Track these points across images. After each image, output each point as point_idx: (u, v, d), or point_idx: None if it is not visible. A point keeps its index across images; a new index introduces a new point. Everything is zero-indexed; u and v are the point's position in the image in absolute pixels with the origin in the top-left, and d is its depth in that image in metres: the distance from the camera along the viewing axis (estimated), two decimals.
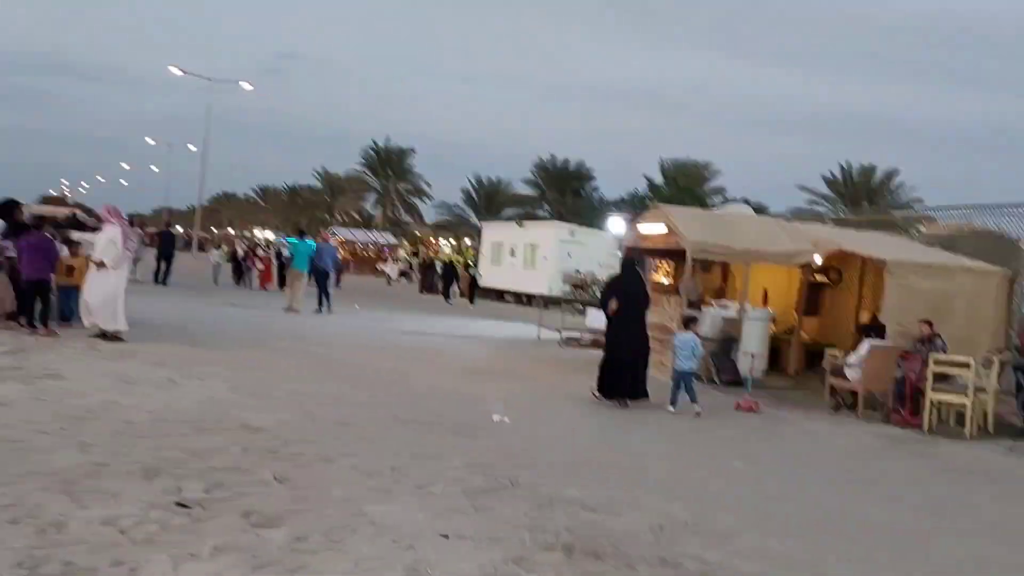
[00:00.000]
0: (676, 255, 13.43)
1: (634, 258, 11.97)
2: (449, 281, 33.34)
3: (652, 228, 12.64)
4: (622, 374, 9.13)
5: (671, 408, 9.06)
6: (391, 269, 45.50)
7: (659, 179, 41.30)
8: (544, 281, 31.42)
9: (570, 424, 8.04)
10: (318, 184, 69.96)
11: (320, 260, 18.15)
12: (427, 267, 37.68)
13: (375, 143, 62.47)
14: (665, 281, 15.33)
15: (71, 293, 10.79)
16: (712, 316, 11.65)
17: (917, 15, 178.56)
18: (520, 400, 8.98)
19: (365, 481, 5.16)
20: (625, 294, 9.46)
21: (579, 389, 10.09)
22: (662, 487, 5.69)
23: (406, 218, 66.08)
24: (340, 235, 54.00)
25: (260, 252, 26.50)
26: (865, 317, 13.39)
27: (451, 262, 36.74)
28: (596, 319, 17.64)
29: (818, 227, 14.17)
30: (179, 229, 59.82)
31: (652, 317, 12.05)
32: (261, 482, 4.93)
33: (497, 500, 4.98)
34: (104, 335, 9.94)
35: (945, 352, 9.86)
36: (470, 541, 4.21)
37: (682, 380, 9.16)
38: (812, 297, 13.83)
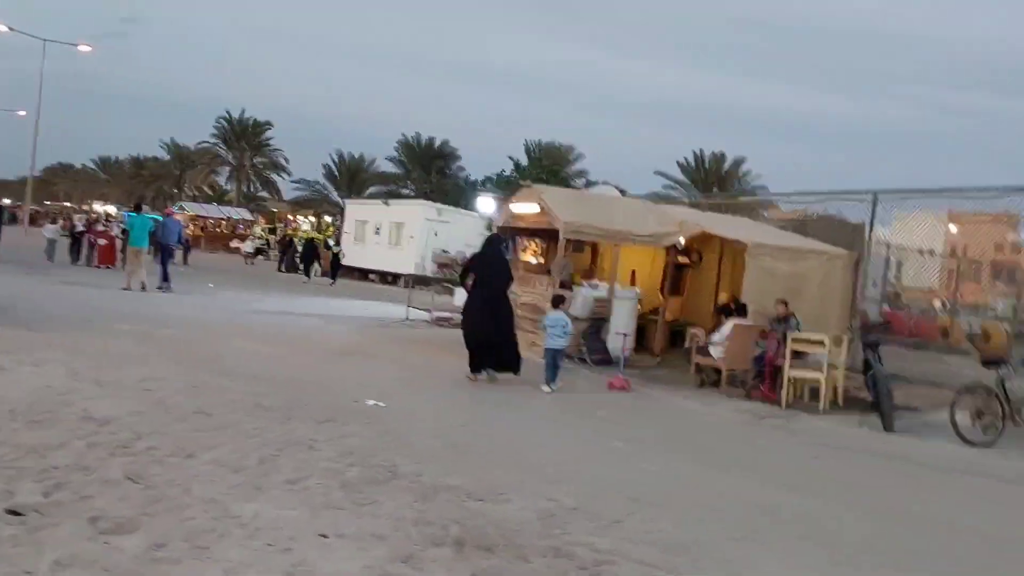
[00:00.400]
0: (548, 235, 13.45)
1: (497, 236, 11.89)
2: (309, 259, 32.30)
3: (525, 208, 12.57)
4: (485, 347, 9.22)
5: (546, 388, 9.08)
6: (247, 246, 43.46)
7: (525, 161, 41.57)
8: (410, 260, 30.95)
9: (446, 407, 7.82)
10: (166, 156, 65.71)
11: (163, 236, 17.17)
12: (287, 245, 36.22)
13: (228, 114, 59.34)
14: (534, 261, 15.36)
15: None
16: (583, 296, 11.73)
17: (761, 8, 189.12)
18: (393, 383, 8.67)
19: (230, 477, 4.72)
20: (485, 270, 9.54)
21: (451, 370, 9.89)
22: (545, 471, 5.57)
23: (263, 194, 63.38)
24: (189, 210, 51.06)
25: (100, 227, 24.35)
26: (724, 297, 13.96)
27: (311, 240, 35.53)
28: (464, 298, 17.50)
29: (682, 210, 14.60)
30: (7, 202, 54.65)
31: (524, 297, 12.03)
32: (110, 482, 4.40)
33: (377, 492, 4.69)
34: None
35: (799, 330, 10.38)
36: (352, 540, 3.91)
37: (554, 357, 9.23)
38: (674, 278, 14.24)
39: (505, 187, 34.15)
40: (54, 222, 24.42)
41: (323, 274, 31.84)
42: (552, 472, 5.55)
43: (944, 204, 11.72)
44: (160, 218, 19.07)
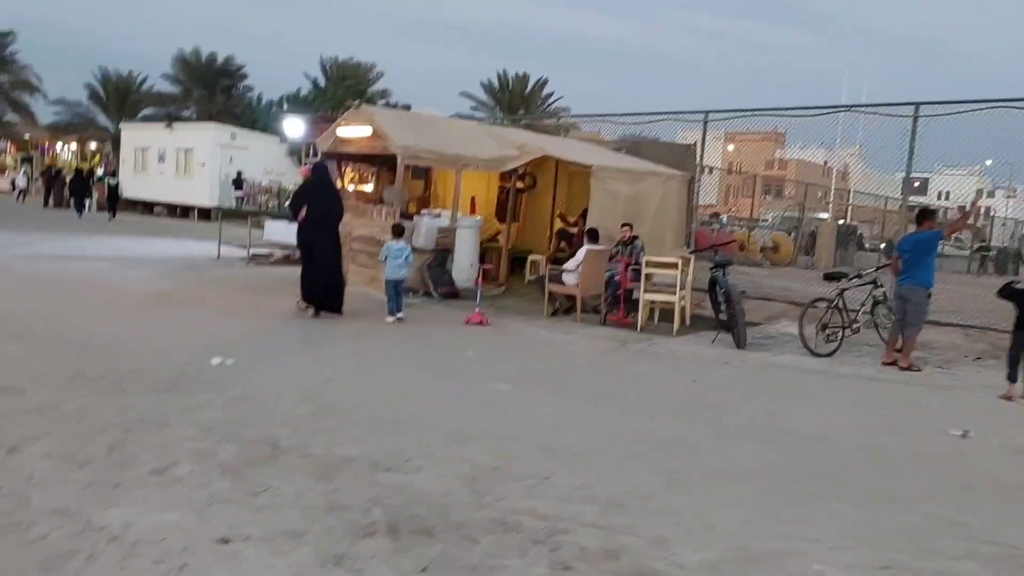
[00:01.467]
0: (379, 161, 12.56)
1: (323, 163, 10.93)
2: (81, 193, 28.72)
3: (354, 131, 11.56)
4: (317, 281, 9.05)
5: (389, 318, 9.00)
6: (20, 180, 37.98)
7: (322, 80, 39.09)
8: (204, 191, 28.38)
9: (300, 360, 7.00)
10: None
11: None
12: (53, 177, 31.91)
13: None
14: (369, 189, 14.33)
15: None
16: (426, 226, 11.08)
17: None
18: (229, 336, 7.67)
19: (76, 475, 3.79)
20: (315, 200, 9.13)
21: (289, 315, 9.02)
22: (441, 427, 5.05)
23: (11, 117, 55.28)
24: None
25: None
26: (559, 223, 13.87)
27: (81, 171, 31.58)
28: (277, 232, 16.20)
29: (521, 132, 14.18)
30: None
31: (360, 230, 11.20)
32: None
33: (266, 475, 3.97)
34: None
35: (644, 253, 10.46)
36: (262, 542, 3.22)
37: (396, 287, 9.12)
38: (509, 203, 13.93)
39: (306, 107, 31.95)
40: None
41: (100, 209, 28.53)
42: (450, 428, 5.04)
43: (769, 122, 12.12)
44: None
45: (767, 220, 33.87)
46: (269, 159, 29.07)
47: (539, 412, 5.65)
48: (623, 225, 10.61)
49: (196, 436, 4.49)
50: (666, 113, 12.70)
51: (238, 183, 28.13)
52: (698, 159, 12.11)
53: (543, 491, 4.01)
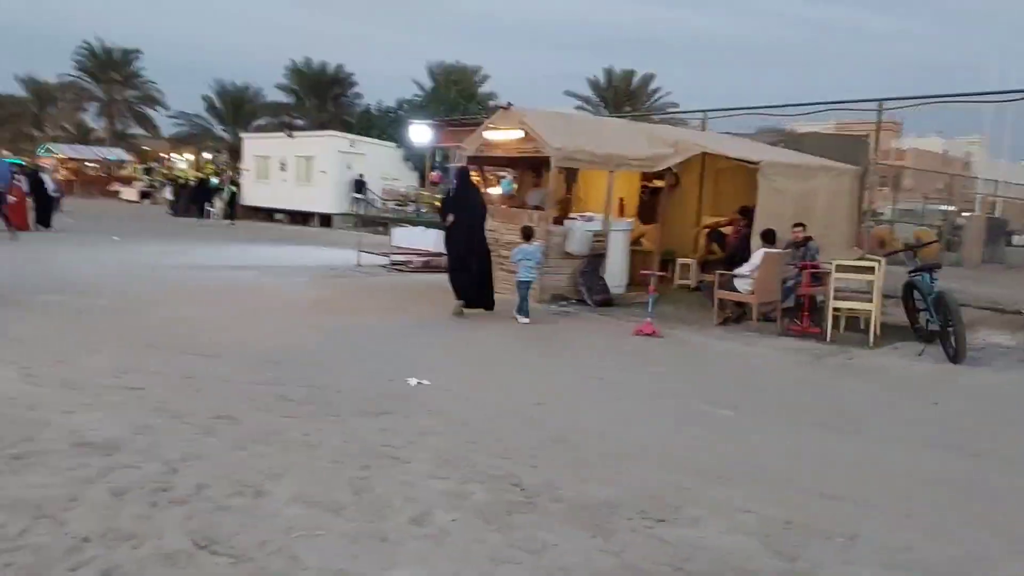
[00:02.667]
0: (523, 164, 12.19)
1: (466, 168, 10.68)
2: (203, 200, 29.90)
3: (503, 134, 11.19)
4: (468, 282, 9.29)
5: (523, 319, 9.12)
6: (136, 189, 40.00)
7: (428, 84, 39.30)
8: (324, 198, 28.83)
9: (492, 376, 6.62)
10: (23, 93, 59.04)
11: None
12: (181, 186, 33.13)
13: (89, 44, 53.54)
14: (499, 191, 14.03)
15: None
16: (580, 231, 10.61)
17: None
18: (406, 348, 7.38)
19: (335, 523, 3.45)
20: (461, 206, 9.32)
21: (453, 324, 8.75)
22: (681, 461, 4.54)
23: (136, 130, 58.15)
24: (59, 152, 46.27)
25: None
26: (708, 222, 13.16)
27: (205, 179, 32.80)
28: (407, 238, 16.08)
29: (672, 130, 13.52)
30: None
31: (509, 235, 10.82)
32: (175, 556, 3.07)
33: (533, 524, 3.53)
34: None
35: (817, 256, 9.68)
36: None
37: (526, 290, 9.29)
38: (650, 203, 13.31)
39: (417, 113, 32.06)
40: None
41: (226, 216, 29.54)
42: (696, 464, 4.51)
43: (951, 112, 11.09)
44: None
45: (883, 213, 31.93)
46: (386, 165, 29.30)
47: (781, 444, 5.06)
48: (795, 225, 9.86)
49: (436, 472, 4.12)
50: (838, 103, 11.79)
51: (359, 187, 28.48)
52: (872, 152, 11.18)
53: (859, 554, 3.42)
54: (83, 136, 55.61)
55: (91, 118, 57.33)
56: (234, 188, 30.24)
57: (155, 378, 5.70)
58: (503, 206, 12.04)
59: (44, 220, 18.55)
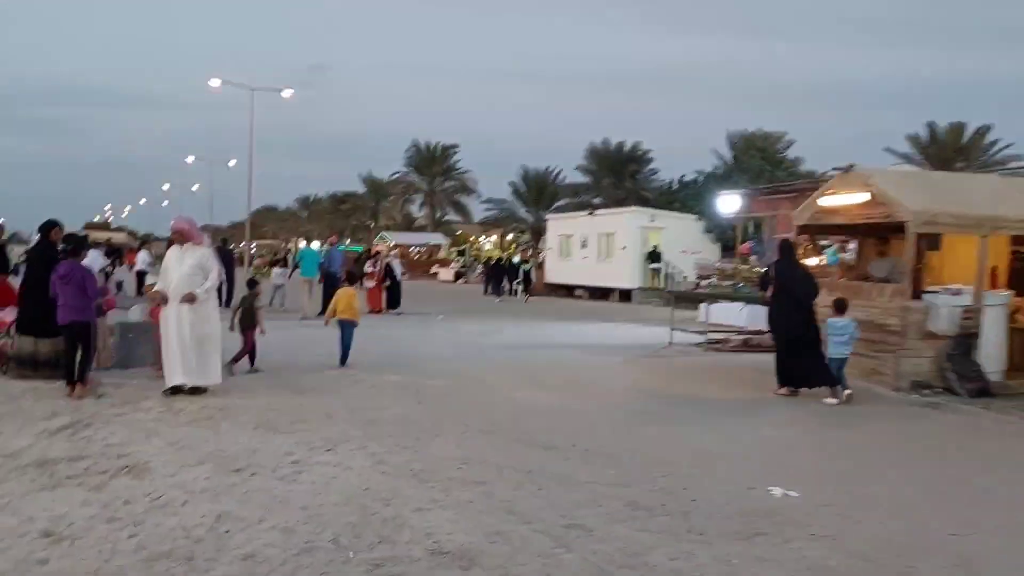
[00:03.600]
0: (864, 231, 10.84)
1: (789, 241, 9.74)
2: (512, 279, 31.68)
3: (842, 199, 10.02)
4: (791, 361, 8.75)
5: (831, 400, 8.37)
6: (449, 271, 43.63)
7: (728, 154, 38.20)
8: (624, 273, 28.86)
9: (872, 483, 5.51)
10: (362, 190, 68.04)
11: (330, 265, 17.49)
12: (493, 267, 35.35)
13: (417, 142, 60.33)
14: (821, 261, 12.60)
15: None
16: (946, 306, 9.01)
17: None
18: (753, 448, 6.50)
19: None
20: (785, 279, 8.86)
21: (797, 413, 7.65)
22: None
23: (452, 217, 63.86)
24: (390, 239, 52.09)
25: (368, 267, 21.51)
26: None
27: (502, 258, 34.93)
28: (721, 314, 15.12)
29: None
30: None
31: (858, 312, 9.51)
32: None
33: None
34: (179, 388, 7.65)
35: None
36: None
37: (839, 368, 8.53)
38: (1018, 271, 11.10)
39: (719, 183, 31.09)
40: (279, 264, 23.81)
41: (525, 293, 31.01)
42: None
43: None
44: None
45: None
46: (686, 238, 28.71)
47: None
48: None
49: None
50: None
51: (654, 257, 28.24)
52: None
53: None
54: (408, 224, 62.30)
55: (415, 208, 64.22)
56: (527, 265, 31.88)
57: (497, 472, 5.44)
58: (841, 279, 10.72)
59: (394, 303, 19.94)
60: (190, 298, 7.63)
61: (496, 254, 43.11)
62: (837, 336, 8.57)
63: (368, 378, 9.29)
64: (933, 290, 9.55)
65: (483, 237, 60.39)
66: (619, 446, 6.35)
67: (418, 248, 52.44)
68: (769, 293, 9.17)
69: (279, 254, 46.76)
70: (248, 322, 9.37)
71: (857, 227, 10.89)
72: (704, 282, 13.93)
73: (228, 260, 19.34)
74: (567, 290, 32.22)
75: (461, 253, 52.24)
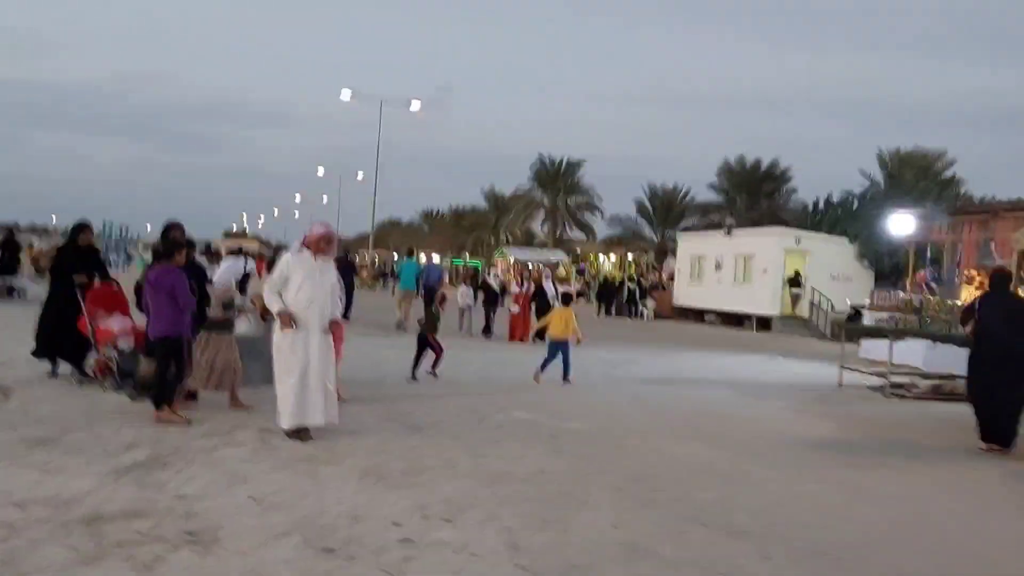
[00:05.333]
0: None
1: (1004, 272, 8.09)
2: (634, 301, 30.22)
3: None
4: (996, 412, 7.51)
5: None
6: (571, 288, 42.15)
7: (879, 174, 34.92)
8: (764, 298, 26.54)
9: None
10: (484, 205, 67.77)
11: (427, 279, 17.38)
12: (608, 287, 33.76)
13: (543, 157, 59.40)
14: None
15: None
16: None
17: None
18: (1004, 548, 4.72)
19: None
20: (994, 316, 7.54)
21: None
22: None
23: (574, 234, 62.49)
24: (508, 255, 51.29)
25: (515, 288, 19.09)
26: None
27: (623, 279, 33.48)
28: (879, 350, 13.00)
29: None
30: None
31: None
32: None
33: None
34: (305, 430, 6.36)
35: None
36: None
37: None
38: None
39: (871, 204, 28.22)
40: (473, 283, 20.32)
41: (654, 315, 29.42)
42: None
43: None
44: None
45: None
46: (837, 263, 26.15)
47: None
48: None
49: None
50: None
51: (795, 283, 25.97)
52: None
53: None
54: (528, 240, 61.38)
55: (537, 225, 63.25)
56: (631, 285, 30.35)
57: (675, 572, 3.94)
58: None
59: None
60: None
61: (616, 275, 41.40)
62: None
63: (492, 414, 7.96)
64: None
65: (603, 255, 58.66)
66: (834, 538, 4.70)
67: (536, 264, 51.36)
68: (969, 330, 7.92)
69: (387, 265, 46.72)
70: (431, 327, 9.86)
71: None
72: (885, 315, 11.86)
73: (348, 272, 18.68)
74: (697, 314, 30.16)
75: (580, 272, 50.73)
